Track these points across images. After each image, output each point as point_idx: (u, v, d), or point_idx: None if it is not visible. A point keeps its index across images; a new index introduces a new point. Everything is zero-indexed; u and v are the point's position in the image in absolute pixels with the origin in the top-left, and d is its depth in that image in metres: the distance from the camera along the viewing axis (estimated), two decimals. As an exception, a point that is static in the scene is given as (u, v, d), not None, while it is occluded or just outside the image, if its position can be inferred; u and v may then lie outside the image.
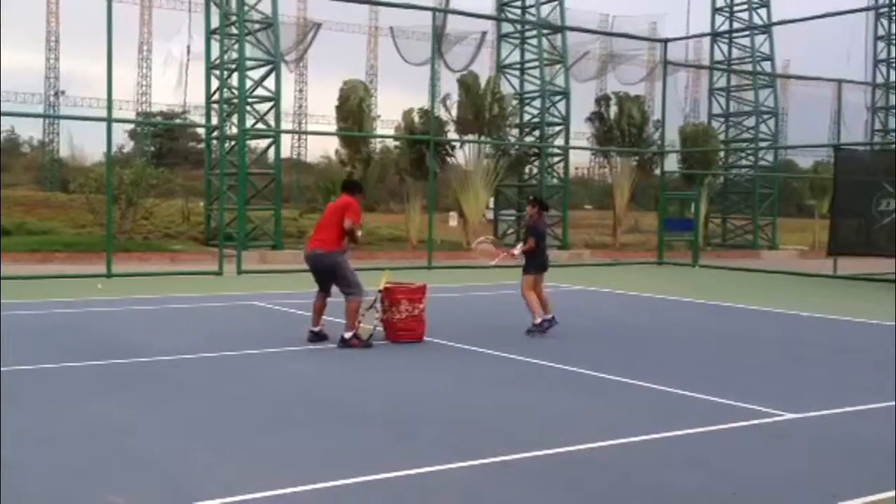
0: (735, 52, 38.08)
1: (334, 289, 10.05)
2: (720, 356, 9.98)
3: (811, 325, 13.02)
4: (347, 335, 9.70)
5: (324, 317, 10.12)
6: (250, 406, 7.03)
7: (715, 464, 5.59)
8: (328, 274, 9.92)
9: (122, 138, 53.27)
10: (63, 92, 53.44)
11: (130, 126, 53.84)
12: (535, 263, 11.14)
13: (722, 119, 38.17)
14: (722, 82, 38.45)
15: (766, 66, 37.44)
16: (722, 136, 38.02)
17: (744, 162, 38.87)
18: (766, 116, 37.05)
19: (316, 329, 10.05)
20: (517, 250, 11.26)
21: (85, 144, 60.13)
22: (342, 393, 7.66)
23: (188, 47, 34.12)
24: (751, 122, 37.29)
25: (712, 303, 15.42)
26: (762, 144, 36.99)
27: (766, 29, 36.42)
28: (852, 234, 21.38)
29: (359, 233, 10.01)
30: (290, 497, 4.82)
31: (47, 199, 36.23)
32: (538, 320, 10.85)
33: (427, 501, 4.87)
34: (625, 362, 9.18)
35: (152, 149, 51.81)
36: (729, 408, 7.14)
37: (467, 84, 31.00)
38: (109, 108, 18.57)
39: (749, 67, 37.54)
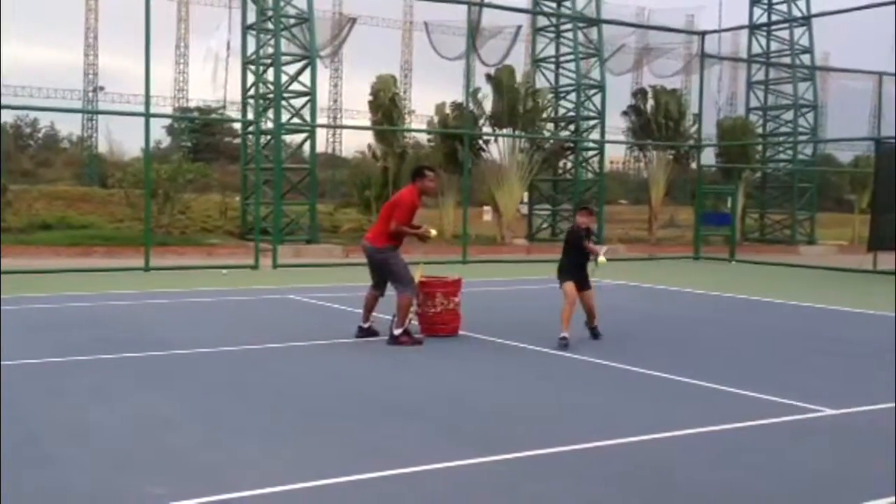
0: (773, 45, 37.62)
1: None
2: (759, 352, 9.88)
3: (851, 321, 12.85)
4: (397, 331, 9.60)
5: (374, 313, 10.03)
6: (290, 399, 7.08)
7: (754, 460, 5.54)
8: (379, 269, 9.89)
9: (159, 134, 53.88)
10: (102, 88, 54.10)
11: (168, 121, 54.38)
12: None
13: (760, 112, 37.74)
14: (760, 75, 38.01)
15: (805, 58, 36.96)
16: (760, 130, 37.60)
17: (782, 156, 38.41)
18: (804, 110, 36.58)
19: (365, 325, 9.97)
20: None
21: (123, 140, 60.78)
22: (380, 386, 7.69)
23: (228, 43, 34.42)
24: (789, 115, 36.84)
25: (750, 298, 15.26)
26: (801, 138, 36.54)
27: (806, 21, 35.95)
28: (893, 229, 21.02)
29: (427, 229, 9.87)
30: (331, 488, 4.85)
31: (87, 193, 36.72)
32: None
33: (467, 494, 4.88)
34: (662, 357, 9.12)
35: (189, 144, 52.28)
36: (768, 403, 7.08)
37: (498, 79, 30.94)
38: (147, 103, 18.78)
39: (788, 60, 37.07)
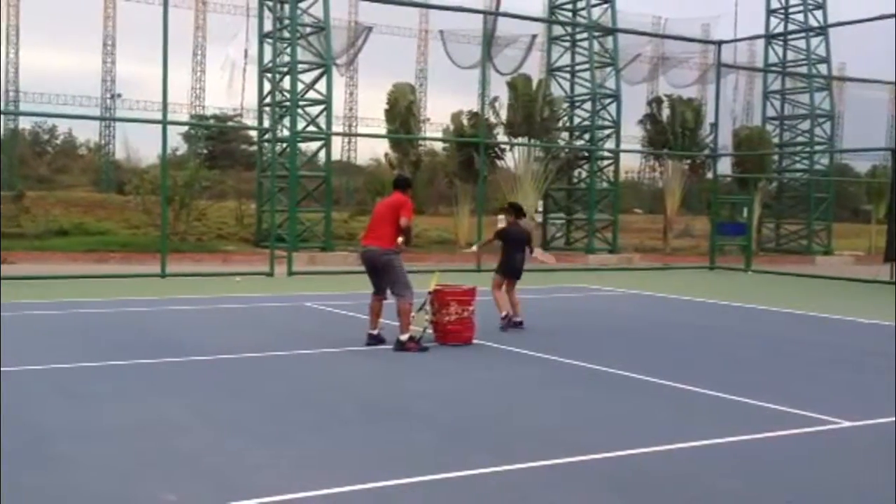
0: (790, 55, 37.54)
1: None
2: (774, 362, 9.83)
3: (868, 332, 12.75)
4: (403, 338, 9.66)
5: (381, 319, 10.11)
6: (301, 405, 7.08)
7: (769, 471, 5.51)
8: (382, 272, 9.89)
9: (176, 141, 54.09)
10: (119, 95, 54.43)
11: (184, 129, 54.65)
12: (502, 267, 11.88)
13: (776, 122, 37.62)
14: (776, 85, 37.91)
15: (822, 68, 36.84)
16: (776, 140, 37.48)
17: (798, 166, 38.28)
18: (821, 119, 36.45)
19: (374, 332, 10.01)
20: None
21: (140, 147, 61.28)
22: (392, 393, 7.69)
23: (245, 51, 34.64)
24: (806, 125, 36.71)
25: (765, 308, 15.19)
26: (817, 148, 36.39)
27: (822, 31, 35.84)
28: (910, 240, 20.88)
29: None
30: (340, 496, 4.84)
31: (104, 200, 36.96)
32: (503, 314, 11.52)
33: (472, 503, 4.87)
34: (676, 367, 9.09)
35: (205, 151, 52.53)
36: (784, 414, 7.03)
37: (517, 87, 30.96)
38: (165, 110, 18.86)
39: (804, 70, 36.96)
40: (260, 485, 4.97)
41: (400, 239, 9.78)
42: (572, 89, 33.10)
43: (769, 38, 36.97)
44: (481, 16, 25.82)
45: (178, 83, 52.30)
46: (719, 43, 27.94)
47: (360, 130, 58.09)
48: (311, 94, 27.48)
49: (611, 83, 32.14)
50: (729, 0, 50.76)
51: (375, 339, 9.98)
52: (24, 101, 50.98)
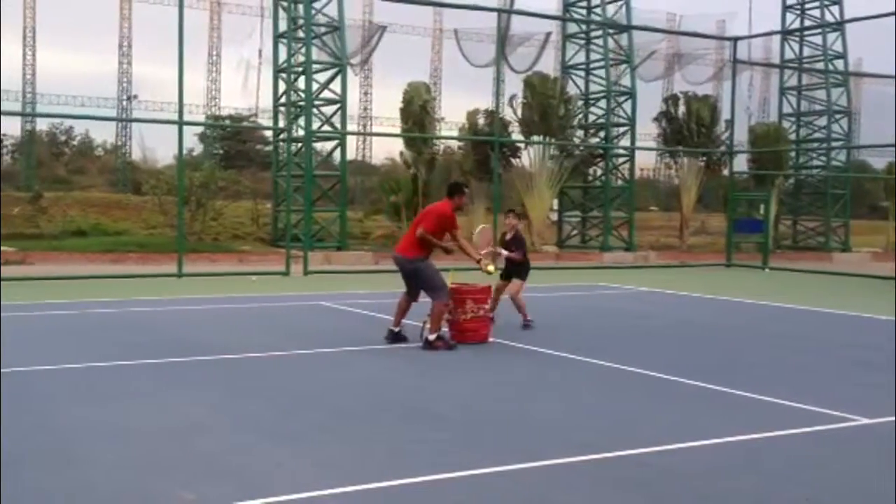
0: (806, 51, 37.30)
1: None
2: (791, 360, 9.78)
3: (886, 329, 12.66)
4: (431, 337, 9.70)
5: (404, 319, 10.11)
6: (318, 405, 7.10)
7: (785, 469, 5.48)
8: (411, 279, 9.98)
9: (191, 141, 54.18)
10: (135, 96, 54.61)
11: (200, 129, 54.81)
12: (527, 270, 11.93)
13: (793, 118, 37.41)
14: (793, 81, 37.69)
15: (839, 64, 36.59)
16: (793, 136, 37.27)
17: (815, 162, 38.05)
18: (838, 116, 36.21)
19: (396, 329, 10.05)
20: (505, 254, 11.64)
21: (156, 147, 61.50)
22: (407, 392, 7.71)
23: (260, 51, 34.75)
24: (823, 121, 36.47)
25: (782, 306, 15.11)
26: (834, 144, 36.16)
27: (839, 26, 35.59)
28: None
29: (454, 241, 10.03)
30: (357, 495, 4.86)
31: (120, 200, 37.14)
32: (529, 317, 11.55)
33: (491, 502, 4.87)
34: (692, 364, 9.06)
35: (221, 151, 52.67)
36: (802, 412, 7.00)
37: (534, 84, 30.90)
38: (181, 111, 18.93)
39: (821, 66, 36.72)
40: (279, 484, 4.99)
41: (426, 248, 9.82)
42: (587, 87, 33.02)
43: (785, 34, 36.75)
44: (495, 14, 25.80)
45: (193, 84, 52.38)
46: (735, 39, 27.81)
47: (375, 130, 58.15)
48: (326, 94, 27.52)
49: (626, 80, 32.03)
50: (744, -4, 50.57)
51: (395, 337, 10.01)
52: (40, 102, 51.29)
